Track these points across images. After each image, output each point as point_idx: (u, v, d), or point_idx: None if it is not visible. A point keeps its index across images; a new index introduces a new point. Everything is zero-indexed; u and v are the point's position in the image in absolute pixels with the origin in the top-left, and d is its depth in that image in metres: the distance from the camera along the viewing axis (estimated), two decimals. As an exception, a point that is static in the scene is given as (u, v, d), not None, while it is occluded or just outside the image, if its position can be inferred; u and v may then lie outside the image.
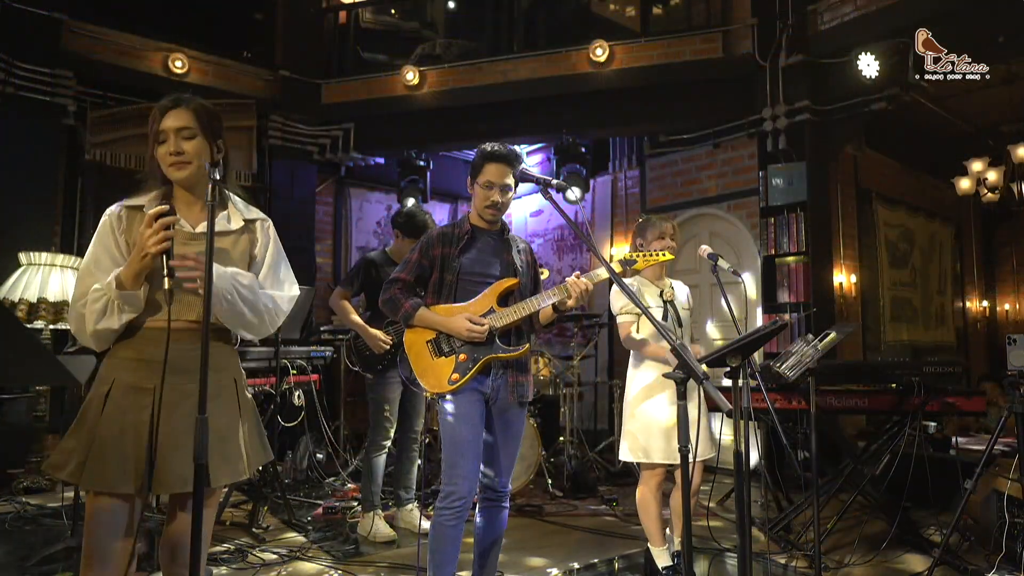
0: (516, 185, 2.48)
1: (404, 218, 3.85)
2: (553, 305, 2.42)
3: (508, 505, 2.53)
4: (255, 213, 1.91)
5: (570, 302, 2.38)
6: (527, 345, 2.46)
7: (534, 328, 2.57)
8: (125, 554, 1.67)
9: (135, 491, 1.65)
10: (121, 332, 1.74)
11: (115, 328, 1.69)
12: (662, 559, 2.99)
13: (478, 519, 2.51)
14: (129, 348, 1.74)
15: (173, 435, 1.67)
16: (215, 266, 1.66)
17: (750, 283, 5.55)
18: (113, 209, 1.78)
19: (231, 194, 1.89)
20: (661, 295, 3.01)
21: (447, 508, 2.34)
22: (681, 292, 3.13)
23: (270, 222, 1.93)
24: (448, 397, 2.36)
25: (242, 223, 1.85)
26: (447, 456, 2.37)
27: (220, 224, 1.78)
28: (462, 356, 2.37)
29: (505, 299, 2.46)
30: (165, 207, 1.64)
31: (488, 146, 2.48)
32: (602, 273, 2.40)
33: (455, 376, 2.35)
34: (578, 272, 2.37)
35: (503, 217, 2.57)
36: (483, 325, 2.35)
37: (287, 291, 1.91)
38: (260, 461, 1.89)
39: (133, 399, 1.69)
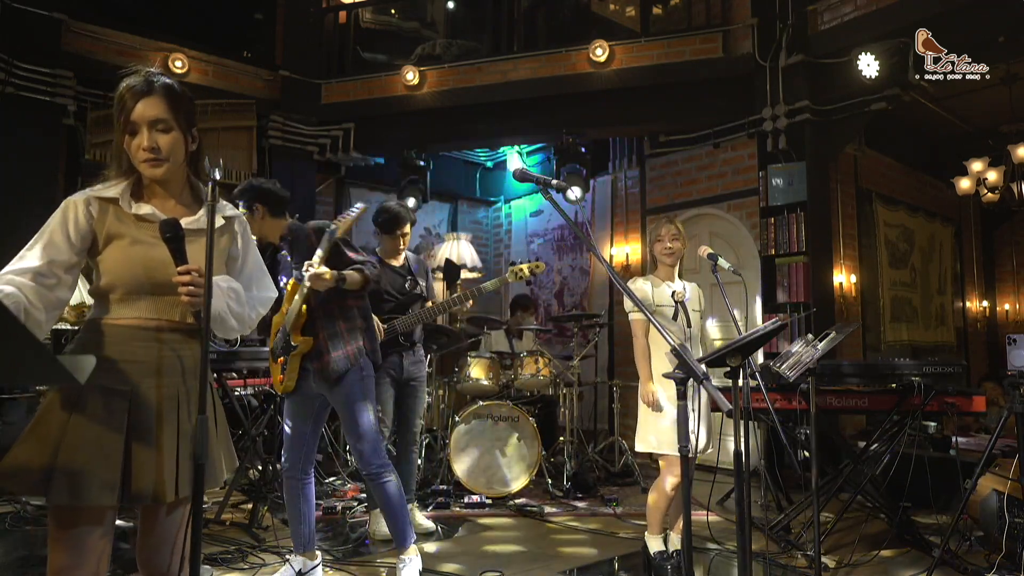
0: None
1: (376, 214, 3.75)
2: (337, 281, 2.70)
3: (383, 481, 2.86)
4: (231, 210, 1.80)
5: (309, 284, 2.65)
6: (305, 339, 2.75)
7: (331, 313, 2.81)
8: (99, 558, 1.53)
9: (112, 503, 1.49)
10: (90, 327, 1.61)
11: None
12: (655, 544, 3.13)
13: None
14: (99, 346, 1.57)
15: (152, 441, 1.55)
16: (215, 279, 1.59)
17: (750, 283, 5.55)
18: (78, 198, 1.61)
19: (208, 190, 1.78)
20: (672, 295, 3.08)
21: (286, 478, 2.92)
22: (691, 293, 3.19)
23: (244, 219, 1.85)
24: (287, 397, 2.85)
25: (223, 221, 1.74)
26: (284, 442, 2.94)
27: (202, 222, 1.66)
28: (280, 359, 2.79)
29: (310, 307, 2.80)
30: None
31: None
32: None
33: (280, 377, 2.81)
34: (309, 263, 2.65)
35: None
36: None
37: (267, 293, 1.87)
38: (230, 468, 1.77)
39: (106, 402, 1.52)
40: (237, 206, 2.87)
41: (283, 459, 2.93)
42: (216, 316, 1.64)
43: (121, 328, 1.59)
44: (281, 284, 2.91)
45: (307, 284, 2.65)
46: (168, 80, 1.65)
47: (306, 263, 2.65)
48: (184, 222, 1.60)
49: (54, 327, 4.19)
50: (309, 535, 2.92)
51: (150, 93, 1.60)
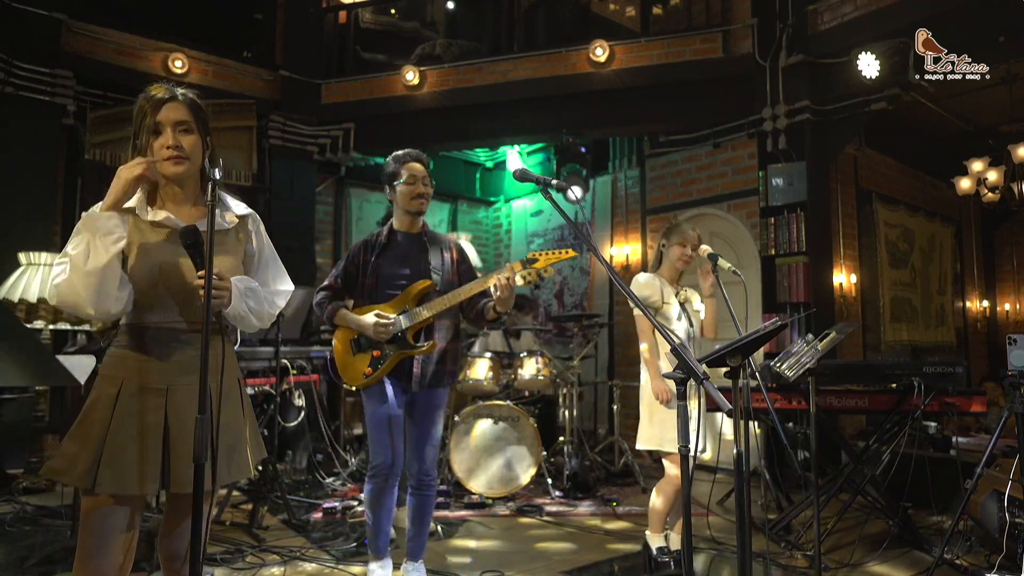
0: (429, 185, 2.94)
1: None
2: (493, 308, 2.62)
3: (434, 493, 2.85)
4: (244, 208, 1.89)
5: (498, 307, 2.57)
6: (432, 343, 2.72)
7: (469, 319, 2.79)
8: (126, 548, 1.67)
9: (154, 492, 1.66)
10: (124, 331, 1.73)
11: (104, 262, 1.57)
12: (656, 541, 3.13)
13: (409, 500, 2.85)
14: (135, 348, 1.72)
15: (187, 435, 1.66)
16: (232, 281, 1.72)
17: (750, 283, 5.54)
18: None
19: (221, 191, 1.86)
20: (677, 295, 3.11)
21: (374, 477, 2.72)
22: (695, 299, 3.21)
23: (258, 216, 1.93)
24: (366, 390, 2.73)
25: (236, 220, 1.85)
26: (369, 435, 2.72)
27: (218, 225, 1.77)
28: (376, 352, 2.72)
29: (422, 300, 2.74)
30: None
31: (397, 152, 2.86)
32: (517, 279, 2.58)
33: (368, 370, 2.72)
34: (502, 277, 2.51)
35: (424, 219, 2.95)
36: (389, 322, 2.66)
37: (284, 287, 1.96)
38: (259, 457, 1.92)
39: (144, 400, 1.68)
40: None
41: (371, 459, 2.75)
42: (237, 317, 1.77)
43: (152, 331, 1.72)
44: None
45: (500, 308, 2.58)
46: (190, 93, 1.79)
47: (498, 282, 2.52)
48: (201, 227, 1.67)
49: (54, 327, 4.20)
50: (383, 542, 2.85)
51: (173, 100, 1.74)
